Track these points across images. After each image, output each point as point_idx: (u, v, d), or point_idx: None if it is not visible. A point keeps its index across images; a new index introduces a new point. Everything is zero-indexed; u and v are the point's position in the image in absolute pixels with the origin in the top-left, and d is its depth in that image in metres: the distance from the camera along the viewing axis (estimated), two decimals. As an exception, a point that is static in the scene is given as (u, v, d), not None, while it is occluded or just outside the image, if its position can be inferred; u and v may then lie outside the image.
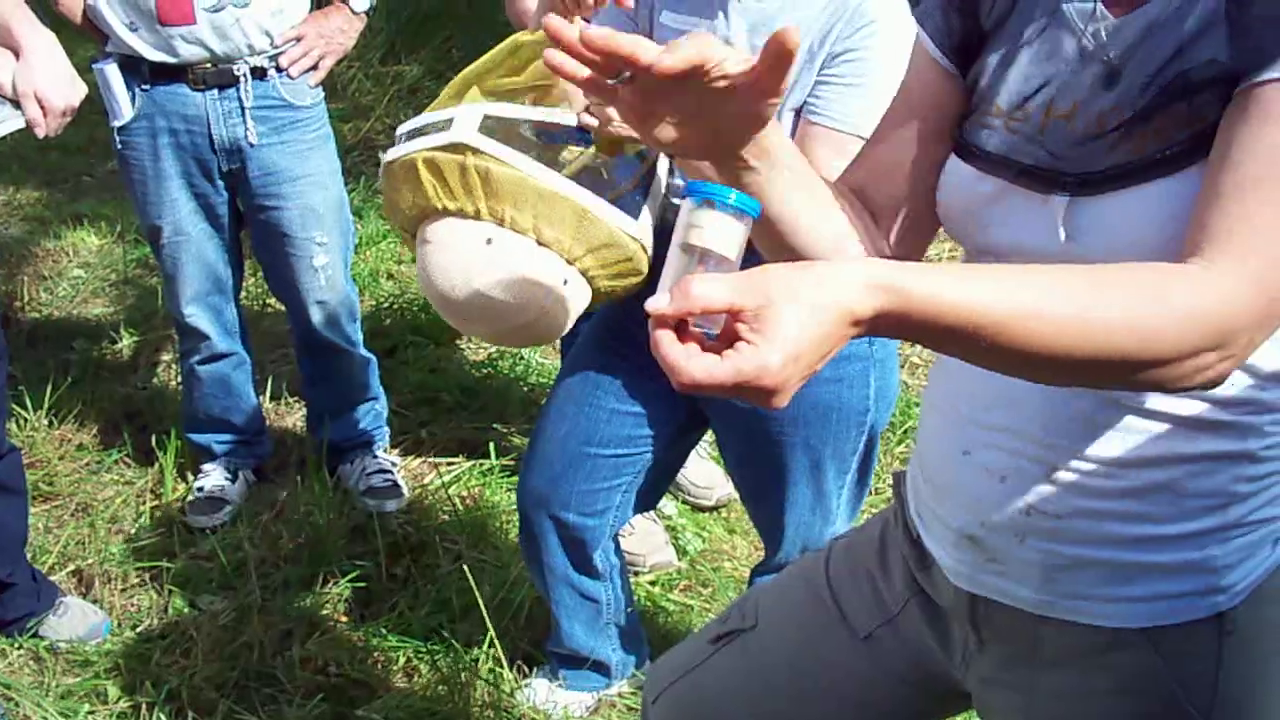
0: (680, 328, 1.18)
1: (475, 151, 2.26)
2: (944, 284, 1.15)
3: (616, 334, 2.63)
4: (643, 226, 2.35)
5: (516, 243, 2.25)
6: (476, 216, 2.26)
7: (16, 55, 2.65)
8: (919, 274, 1.15)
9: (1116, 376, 1.24)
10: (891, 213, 1.59)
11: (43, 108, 2.67)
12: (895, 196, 1.58)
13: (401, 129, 2.42)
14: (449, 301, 2.31)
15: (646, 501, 2.83)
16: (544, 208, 2.24)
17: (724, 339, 1.15)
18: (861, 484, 2.68)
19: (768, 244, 1.50)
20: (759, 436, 2.55)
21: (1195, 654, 1.46)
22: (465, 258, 2.27)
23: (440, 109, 2.41)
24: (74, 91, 2.72)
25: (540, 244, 2.26)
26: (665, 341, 1.18)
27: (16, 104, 2.66)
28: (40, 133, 2.70)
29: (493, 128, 2.28)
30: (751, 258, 1.25)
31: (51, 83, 2.67)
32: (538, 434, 2.73)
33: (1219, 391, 1.33)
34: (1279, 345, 1.36)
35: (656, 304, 1.17)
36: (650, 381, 2.56)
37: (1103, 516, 1.45)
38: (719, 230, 1.23)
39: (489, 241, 2.25)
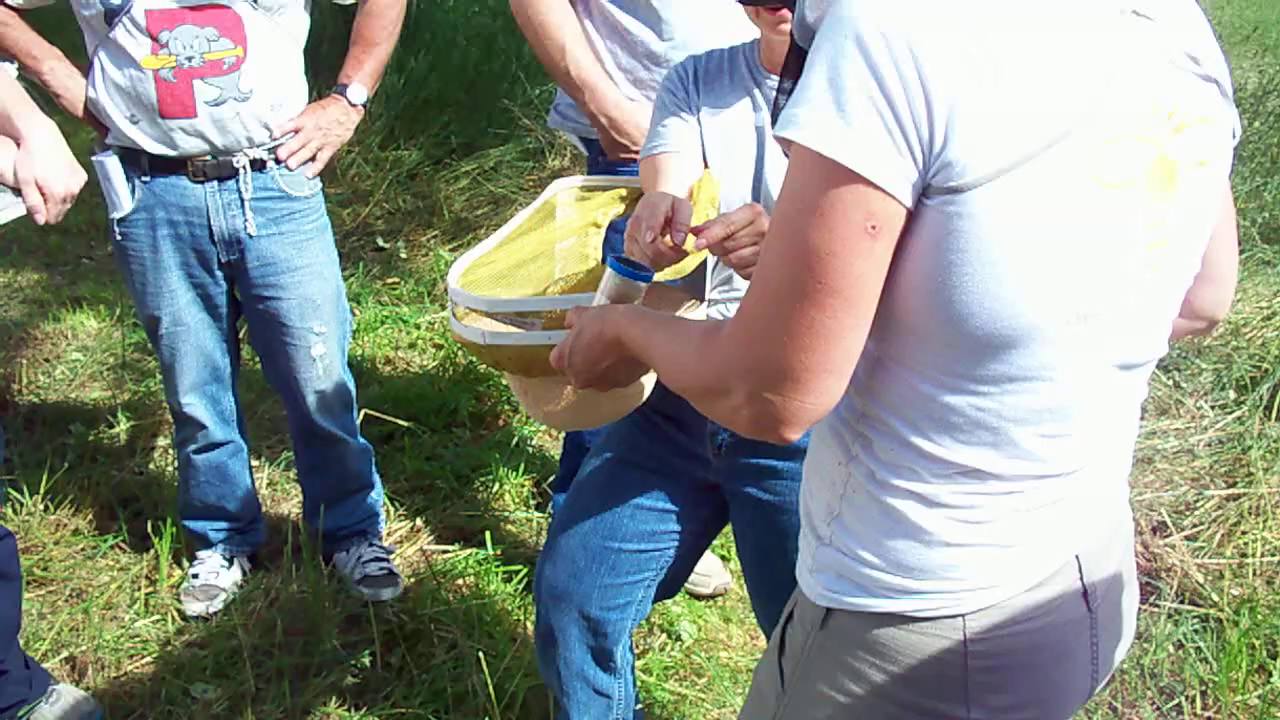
0: None
1: None
2: (630, 329, 1.73)
3: (641, 429, 2.64)
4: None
5: None
6: None
7: (17, 143, 2.68)
8: (628, 321, 1.75)
9: (695, 401, 1.56)
10: None
11: (43, 195, 2.69)
12: None
13: (495, 298, 2.41)
14: (581, 425, 2.53)
15: (665, 593, 2.83)
16: None
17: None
18: None
19: None
20: (779, 532, 2.54)
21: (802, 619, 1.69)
22: (595, 400, 2.38)
23: (497, 280, 2.49)
24: (75, 179, 2.75)
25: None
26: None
27: (17, 191, 2.68)
28: (40, 219, 2.72)
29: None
30: None
31: (52, 170, 2.69)
32: (558, 529, 2.72)
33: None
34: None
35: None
36: (673, 478, 2.59)
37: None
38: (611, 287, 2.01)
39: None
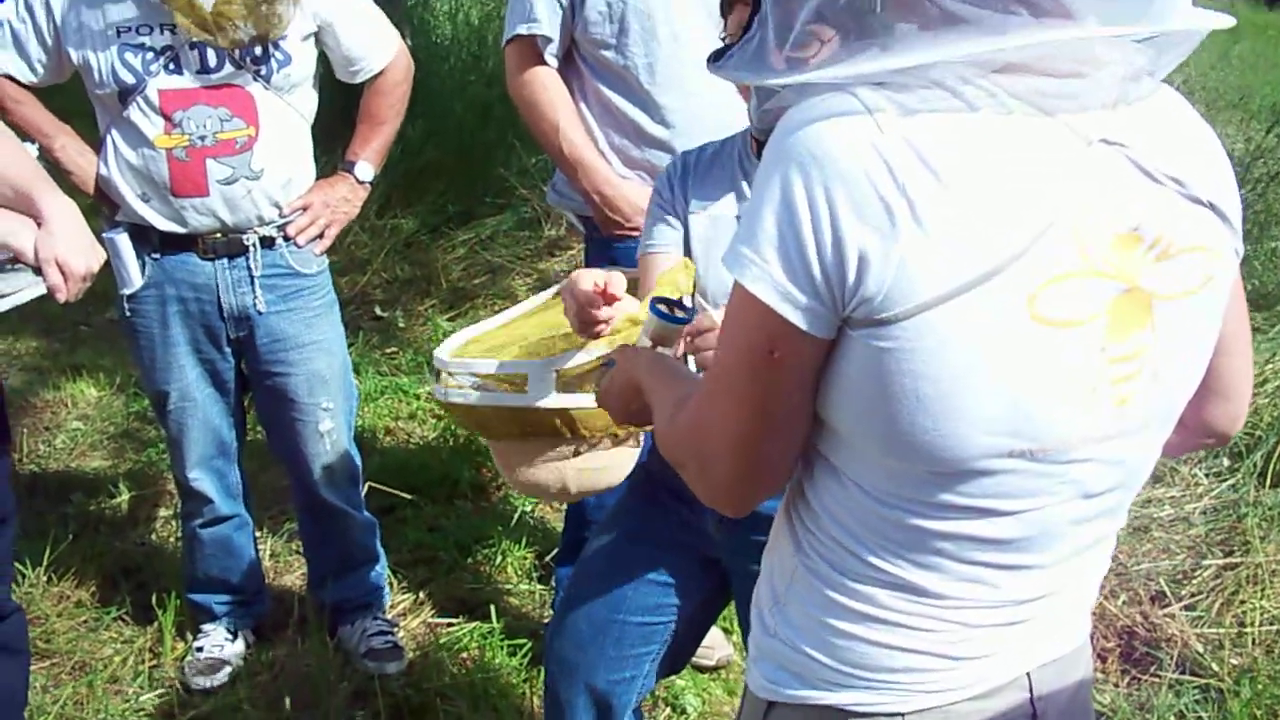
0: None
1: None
2: (645, 379, 1.81)
3: (646, 503, 2.67)
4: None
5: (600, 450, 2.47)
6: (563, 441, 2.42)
7: (38, 222, 2.71)
8: (645, 371, 1.83)
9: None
10: None
11: (64, 274, 2.72)
12: None
13: (456, 364, 2.50)
14: (548, 494, 2.53)
15: (670, 668, 2.84)
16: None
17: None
18: None
19: None
20: None
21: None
22: (560, 468, 2.46)
23: (487, 353, 2.54)
24: (95, 258, 2.77)
25: (616, 440, 2.44)
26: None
27: (37, 270, 2.71)
28: (61, 298, 2.74)
29: (567, 382, 2.43)
30: None
31: (73, 249, 2.71)
32: (566, 602, 2.75)
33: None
34: None
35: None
36: (678, 552, 2.62)
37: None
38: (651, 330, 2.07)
39: (576, 454, 2.45)
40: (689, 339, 2.09)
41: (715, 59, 1.59)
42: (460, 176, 7.91)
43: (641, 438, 2.45)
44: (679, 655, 2.80)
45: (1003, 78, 1.32)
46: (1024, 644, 1.57)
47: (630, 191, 3.43)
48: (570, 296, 2.29)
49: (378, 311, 6.85)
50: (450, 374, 2.45)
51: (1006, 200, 1.30)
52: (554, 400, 2.35)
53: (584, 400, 2.35)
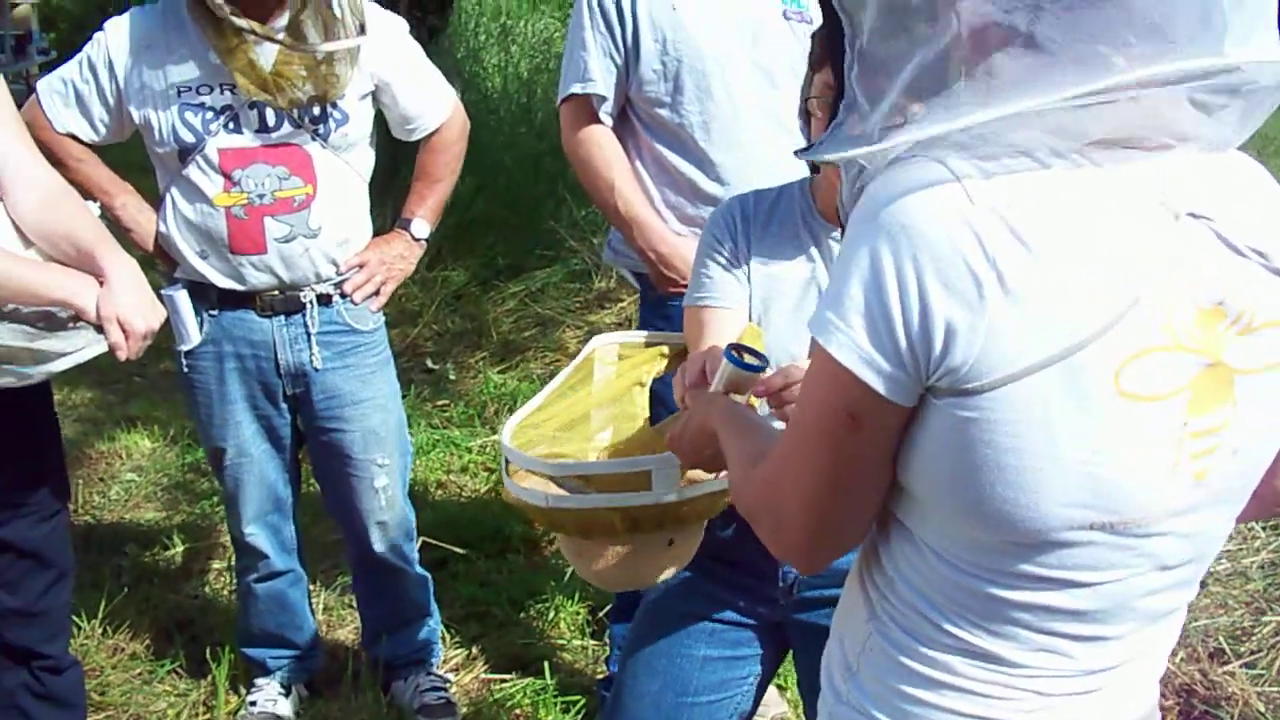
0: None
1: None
2: (721, 429, 1.84)
3: (704, 577, 2.61)
4: None
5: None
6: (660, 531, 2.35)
7: (100, 280, 2.74)
8: (721, 421, 1.87)
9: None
10: None
11: (124, 331, 2.74)
12: None
13: (555, 466, 2.32)
14: (637, 585, 2.50)
15: None
16: (719, 503, 2.32)
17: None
18: None
19: None
20: None
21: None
22: (656, 559, 2.39)
23: (556, 435, 2.48)
24: (155, 316, 2.80)
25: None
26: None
27: (99, 328, 2.73)
28: (122, 356, 2.76)
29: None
30: None
31: (134, 308, 2.74)
32: (625, 692, 2.66)
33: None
34: None
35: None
36: (739, 624, 2.58)
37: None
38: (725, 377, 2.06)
39: (671, 542, 2.37)
40: (778, 389, 2.05)
41: (805, 150, 1.59)
42: (510, 229, 7.95)
43: None
44: None
45: (1094, 150, 1.32)
46: (1097, 712, 1.56)
47: (686, 250, 3.42)
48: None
49: (429, 364, 6.88)
50: (539, 475, 2.32)
51: (1095, 273, 1.30)
52: (680, 495, 2.22)
53: (706, 488, 2.24)
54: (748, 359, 2.05)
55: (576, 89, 3.46)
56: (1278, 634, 4.07)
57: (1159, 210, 1.34)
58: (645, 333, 2.90)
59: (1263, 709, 3.77)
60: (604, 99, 3.45)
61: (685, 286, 3.34)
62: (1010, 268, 1.28)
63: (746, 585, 2.54)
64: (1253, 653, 4.01)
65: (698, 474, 2.25)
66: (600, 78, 3.43)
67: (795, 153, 1.67)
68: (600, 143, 3.48)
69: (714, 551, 2.48)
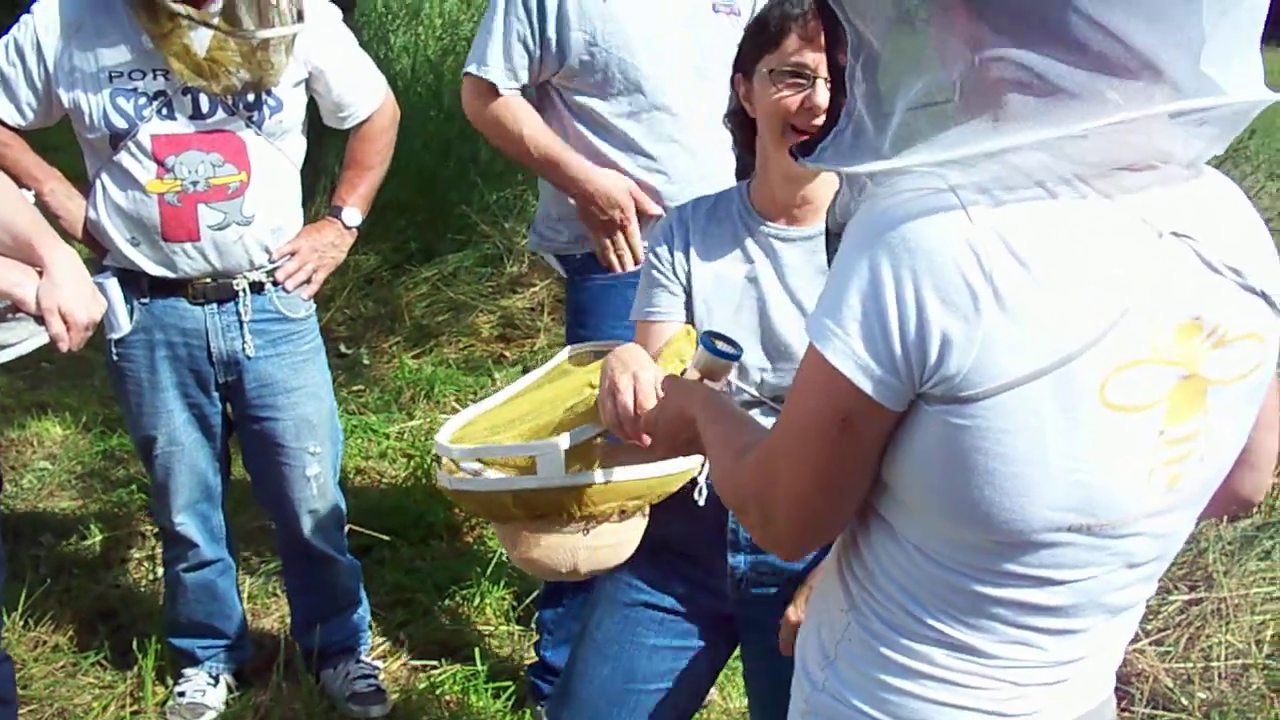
0: None
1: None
2: (700, 415, 1.84)
3: (654, 568, 2.63)
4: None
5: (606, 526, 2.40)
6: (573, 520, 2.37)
7: (39, 271, 2.70)
8: (700, 406, 1.86)
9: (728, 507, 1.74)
10: None
11: (66, 323, 2.72)
12: None
13: (459, 450, 2.38)
14: (558, 574, 2.45)
15: None
16: (628, 495, 2.34)
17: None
18: None
19: None
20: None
21: None
22: (571, 548, 2.39)
23: (489, 433, 2.50)
24: (96, 307, 2.77)
25: (624, 514, 2.38)
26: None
27: (39, 319, 2.70)
28: (63, 348, 2.74)
29: (575, 457, 2.36)
30: None
31: (76, 299, 2.71)
32: (574, 677, 2.69)
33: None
34: None
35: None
36: (688, 615, 2.61)
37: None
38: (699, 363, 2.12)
39: (586, 532, 2.37)
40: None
41: (805, 151, 1.56)
42: (421, 213, 7.93)
43: (647, 510, 2.43)
44: (686, 713, 2.80)
45: (1091, 173, 1.36)
46: (1064, 700, 1.63)
47: (606, 181, 3.42)
48: (611, 398, 2.16)
49: (342, 349, 6.83)
50: (453, 460, 2.41)
51: (1086, 289, 1.35)
52: (565, 480, 2.29)
53: (594, 477, 2.29)
54: (721, 345, 2.10)
55: (473, 69, 3.46)
56: (1183, 612, 4.17)
57: (1143, 228, 1.39)
58: (612, 341, 2.92)
59: (1171, 685, 3.87)
60: (505, 85, 3.43)
61: (609, 220, 3.36)
62: (1006, 284, 1.33)
63: (696, 578, 2.57)
64: (1160, 630, 4.11)
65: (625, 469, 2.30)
66: (497, 64, 3.41)
67: (796, 156, 1.61)
68: (507, 103, 3.46)
69: (664, 544, 2.51)
